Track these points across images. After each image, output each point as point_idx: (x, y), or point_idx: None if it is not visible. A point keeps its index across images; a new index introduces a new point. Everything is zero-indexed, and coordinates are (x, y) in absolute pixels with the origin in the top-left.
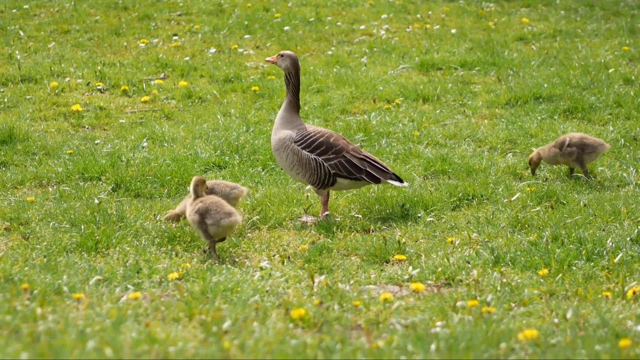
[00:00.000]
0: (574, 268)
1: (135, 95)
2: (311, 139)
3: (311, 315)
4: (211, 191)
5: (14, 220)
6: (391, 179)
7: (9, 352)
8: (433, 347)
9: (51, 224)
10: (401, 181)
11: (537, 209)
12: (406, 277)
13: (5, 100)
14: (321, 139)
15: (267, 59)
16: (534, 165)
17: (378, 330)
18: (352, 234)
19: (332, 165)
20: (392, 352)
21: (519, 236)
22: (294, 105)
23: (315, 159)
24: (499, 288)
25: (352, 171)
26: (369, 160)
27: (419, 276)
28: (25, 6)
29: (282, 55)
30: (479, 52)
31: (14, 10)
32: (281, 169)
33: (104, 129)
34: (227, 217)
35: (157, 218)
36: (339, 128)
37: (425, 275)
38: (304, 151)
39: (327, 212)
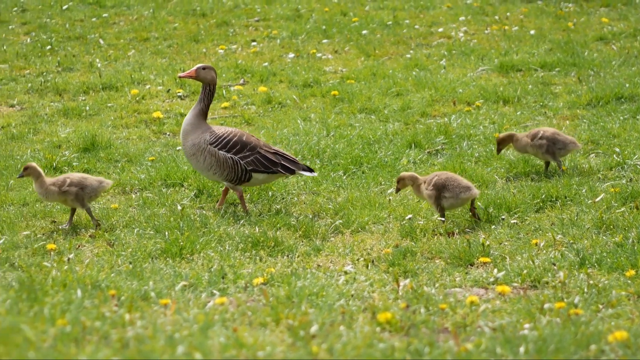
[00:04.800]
0: None
1: (215, 101)
2: (226, 140)
3: (398, 319)
4: (81, 183)
5: (99, 227)
6: (303, 169)
7: (100, 357)
8: (522, 349)
9: (135, 231)
10: (312, 171)
11: (622, 209)
12: (491, 279)
13: (87, 108)
14: (235, 138)
15: (180, 74)
16: (503, 145)
17: (466, 333)
18: (436, 237)
19: (249, 162)
20: (480, 355)
21: (604, 237)
22: (204, 113)
23: (231, 157)
24: (585, 290)
25: (269, 165)
26: (280, 154)
27: (504, 279)
28: (104, 15)
29: (204, 68)
30: (558, 53)
31: (94, 19)
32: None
33: None
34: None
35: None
36: (419, 131)
37: (510, 278)
38: (220, 152)
39: (224, 204)
